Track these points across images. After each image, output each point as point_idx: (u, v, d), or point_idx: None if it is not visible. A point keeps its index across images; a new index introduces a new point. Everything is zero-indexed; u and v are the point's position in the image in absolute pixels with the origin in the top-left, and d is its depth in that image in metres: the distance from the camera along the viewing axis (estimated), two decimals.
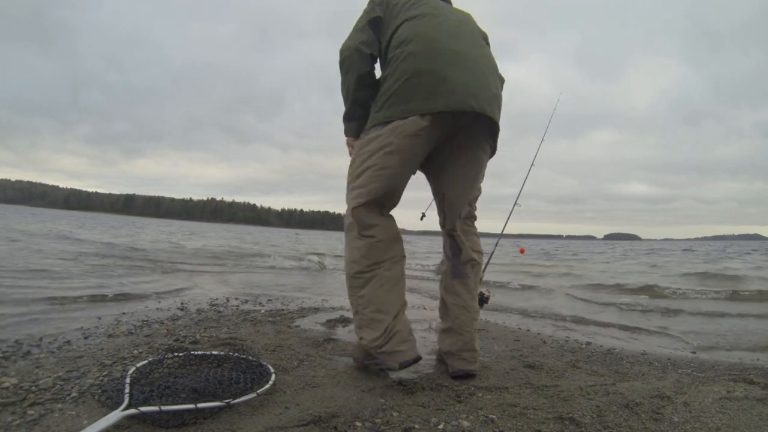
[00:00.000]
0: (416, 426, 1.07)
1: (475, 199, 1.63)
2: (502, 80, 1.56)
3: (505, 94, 1.55)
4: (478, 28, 1.56)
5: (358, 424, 1.07)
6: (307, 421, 1.06)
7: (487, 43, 1.56)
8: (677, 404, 1.25)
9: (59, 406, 1.12)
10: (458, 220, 1.56)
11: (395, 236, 1.43)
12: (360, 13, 1.52)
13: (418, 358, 1.38)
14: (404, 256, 1.47)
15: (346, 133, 1.57)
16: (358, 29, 1.46)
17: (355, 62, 1.42)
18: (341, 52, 1.46)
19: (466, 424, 1.09)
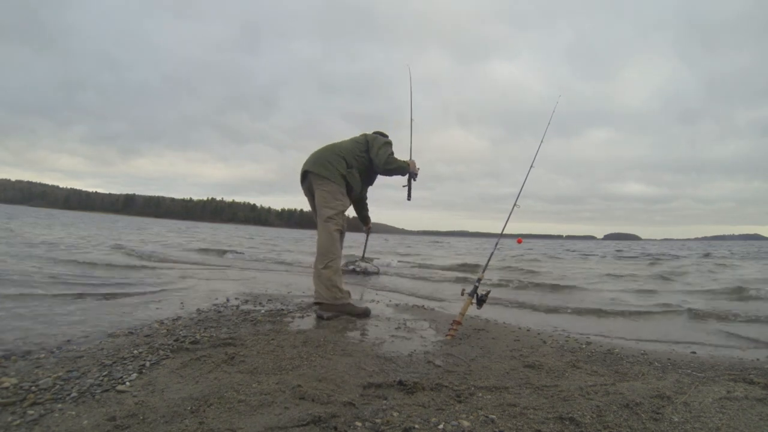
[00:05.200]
0: (416, 426, 1.07)
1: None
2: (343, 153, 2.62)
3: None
4: (346, 142, 2.76)
5: (358, 424, 1.07)
6: (307, 421, 1.06)
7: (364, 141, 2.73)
8: (677, 404, 1.25)
9: (59, 406, 1.12)
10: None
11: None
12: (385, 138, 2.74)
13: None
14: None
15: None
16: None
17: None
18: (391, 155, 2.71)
19: (466, 424, 1.09)
